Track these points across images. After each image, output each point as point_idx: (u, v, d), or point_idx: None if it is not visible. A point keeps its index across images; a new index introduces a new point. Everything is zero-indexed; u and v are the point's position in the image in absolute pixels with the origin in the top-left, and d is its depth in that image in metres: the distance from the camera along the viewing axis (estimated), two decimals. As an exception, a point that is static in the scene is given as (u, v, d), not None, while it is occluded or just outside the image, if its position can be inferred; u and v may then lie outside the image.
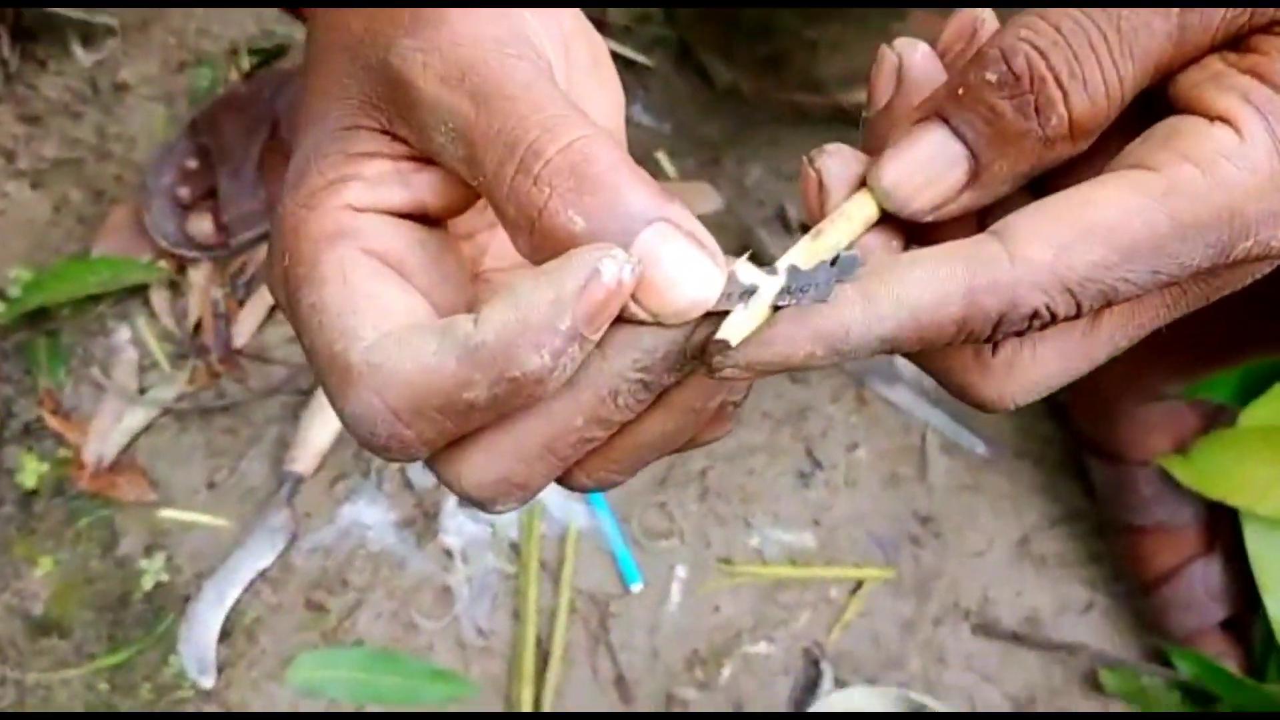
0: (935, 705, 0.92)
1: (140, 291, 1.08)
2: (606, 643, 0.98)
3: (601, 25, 1.18)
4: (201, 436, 1.04)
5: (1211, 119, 0.29)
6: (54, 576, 1.00)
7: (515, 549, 1.01)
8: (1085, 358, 0.33)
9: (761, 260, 0.29)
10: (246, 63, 1.18)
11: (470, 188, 0.31)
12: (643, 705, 0.97)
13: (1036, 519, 1.05)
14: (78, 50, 1.18)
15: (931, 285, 0.28)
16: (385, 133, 0.32)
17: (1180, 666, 0.95)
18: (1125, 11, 0.29)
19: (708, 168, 1.15)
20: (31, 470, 1.01)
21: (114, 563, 1.00)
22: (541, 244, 0.29)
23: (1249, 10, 0.29)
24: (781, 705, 0.98)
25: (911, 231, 0.32)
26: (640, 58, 1.19)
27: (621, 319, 0.29)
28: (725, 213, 1.12)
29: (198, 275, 1.08)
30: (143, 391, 1.05)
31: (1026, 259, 0.28)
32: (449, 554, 1.00)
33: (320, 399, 1.01)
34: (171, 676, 0.97)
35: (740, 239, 1.09)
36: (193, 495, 1.02)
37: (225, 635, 0.97)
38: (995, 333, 0.29)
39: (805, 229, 0.31)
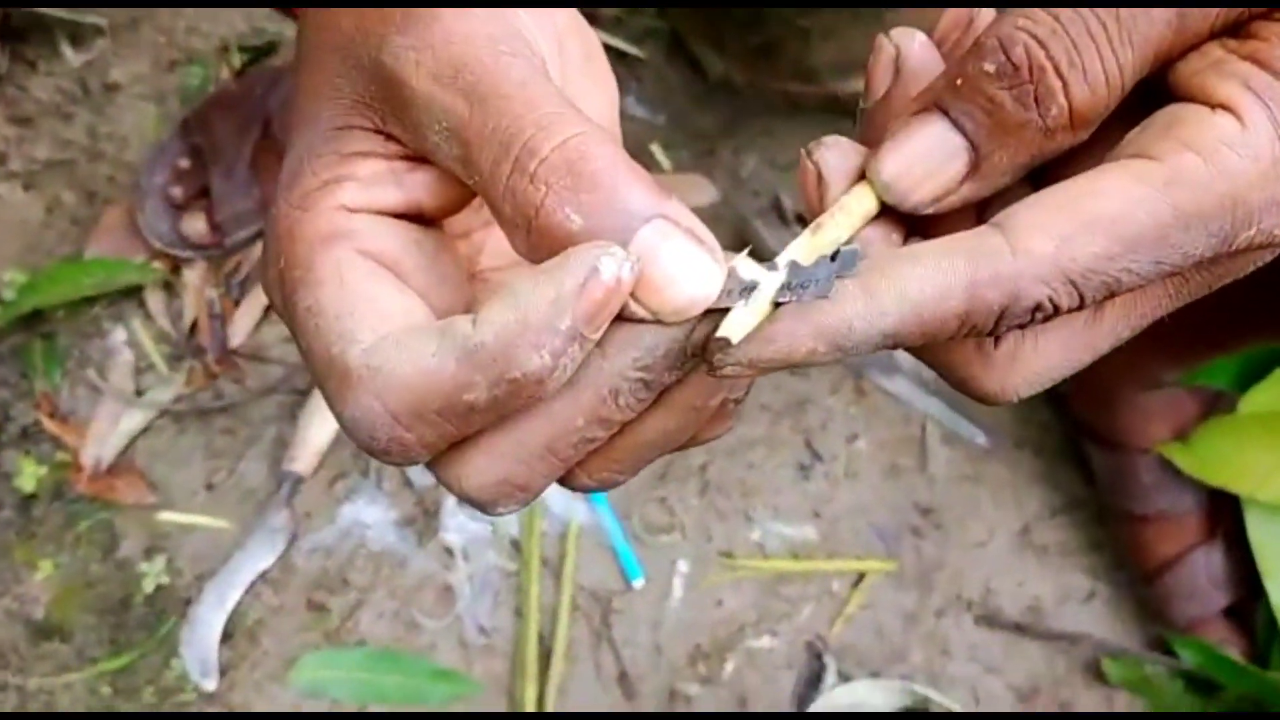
0: (939, 697, 0.92)
1: (135, 293, 1.08)
2: (609, 639, 0.98)
3: (593, 18, 1.18)
4: (199, 438, 1.04)
5: (1212, 107, 0.29)
6: (54, 581, 0.99)
7: (516, 546, 1.01)
8: (1088, 348, 0.33)
9: (760, 254, 0.28)
10: (237, 60, 1.17)
11: (465, 186, 0.31)
12: (646, 701, 0.97)
13: (1037, 508, 1.05)
14: (67, 51, 1.18)
15: (933, 279, 0.28)
16: (379, 132, 0.32)
17: (1183, 655, 0.95)
18: None
19: (702, 159, 1.15)
20: (30, 474, 1.01)
21: (114, 566, 1.00)
22: (539, 243, 0.29)
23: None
24: (785, 699, 0.98)
25: (911, 224, 0.32)
26: (632, 49, 1.18)
27: (621, 318, 0.28)
28: (721, 204, 1.11)
29: (192, 275, 1.08)
30: (139, 393, 1.05)
31: (1028, 251, 0.28)
32: (450, 552, 1.00)
33: (318, 398, 1.01)
34: (174, 679, 0.96)
35: (736, 230, 1.09)
36: (192, 497, 1.02)
37: (227, 637, 0.97)
38: (998, 326, 0.29)
39: (801, 220, 0.31)
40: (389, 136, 0.32)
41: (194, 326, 1.07)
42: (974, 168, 0.30)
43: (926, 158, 0.30)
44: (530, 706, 0.95)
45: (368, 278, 0.31)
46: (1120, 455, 0.96)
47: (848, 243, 0.30)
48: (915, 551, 1.03)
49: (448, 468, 0.31)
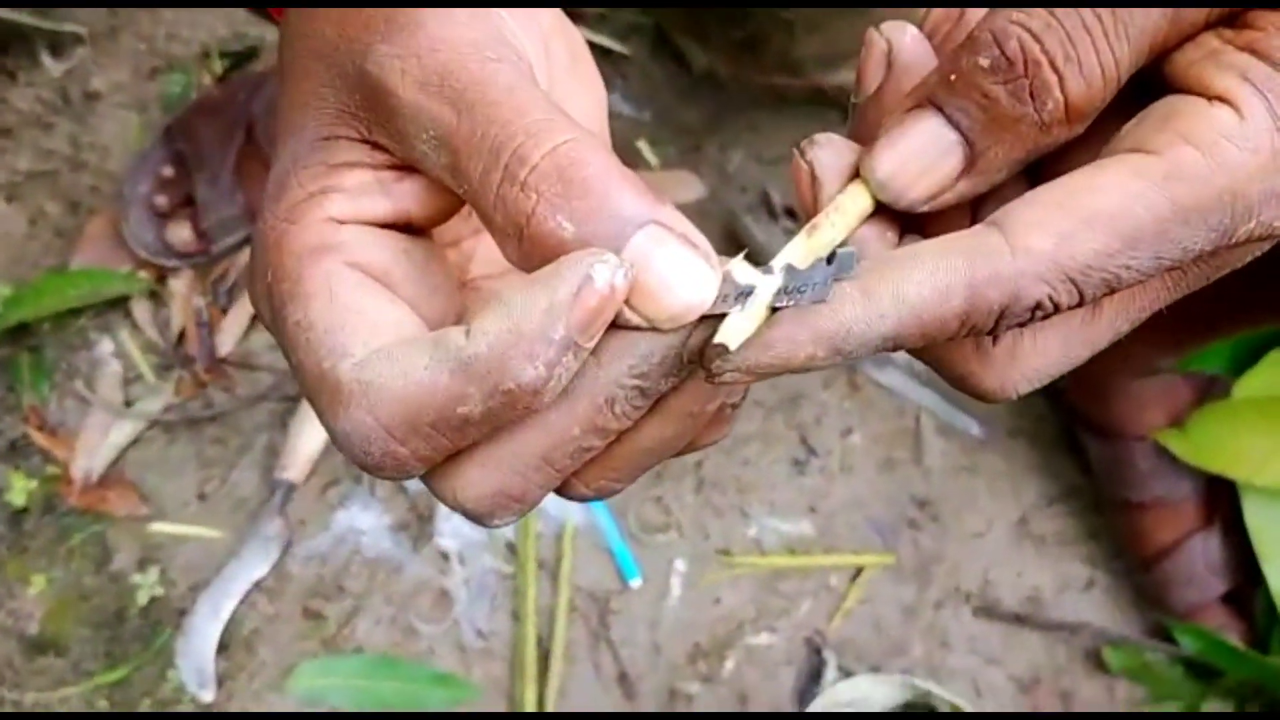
0: (940, 691, 0.91)
1: (121, 303, 1.07)
2: (607, 639, 0.98)
3: (576, 15, 1.17)
4: (190, 447, 1.03)
5: (1210, 99, 0.28)
6: (48, 595, 0.99)
7: (512, 549, 1.00)
8: (1087, 344, 0.33)
9: (750, 248, 0.28)
10: (219, 66, 1.16)
11: (454, 195, 0.31)
12: (646, 701, 0.97)
13: (1034, 498, 1.05)
14: (47, 60, 1.17)
15: (932, 280, 0.27)
16: (365, 142, 0.31)
17: (1183, 641, 0.95)
18: None
19: (689, 155, 1.14)
20: (20, 488, 1.00)
21: (108, 578, 0.99)
22: (531, 251, 0.28)
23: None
24: (786, 696, 0.98)
25: (906, 221, 0.32)
26: (617, 46, 1.18)
27: (616, 325, 0.28)
28: (708, 200, 1.11)
29: (179, 284, 1.07)
30: (129, 404, 1.04)
31: (1027, 250, 0.27)
32: (445, 556, 1.00)
33: (309, 405, 1.00)
34: (171, 691, 0.96)
35: (724, 225, 1.09)
36: (184, 507, 1.01)
37: (224, 647, 0.97)
38: (998, 325, 0.28)
39: (790, 213, 0.31)
40: (375, 146, 0.31)
41: (182, 335, 1.06)
42: (969, 164, 0.30)
43: (921, 155, 0.30)
44: (530, 708, 0.95)
45: (357, 290, 0.30)
46: (1116, 443, 0.96)
47: (844, 244, 0.30)
48: (913, 544, 1.02)
49: (442, 481, 0.31)
